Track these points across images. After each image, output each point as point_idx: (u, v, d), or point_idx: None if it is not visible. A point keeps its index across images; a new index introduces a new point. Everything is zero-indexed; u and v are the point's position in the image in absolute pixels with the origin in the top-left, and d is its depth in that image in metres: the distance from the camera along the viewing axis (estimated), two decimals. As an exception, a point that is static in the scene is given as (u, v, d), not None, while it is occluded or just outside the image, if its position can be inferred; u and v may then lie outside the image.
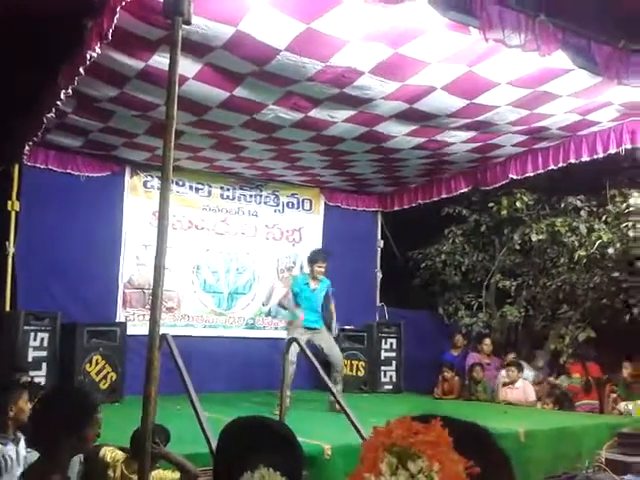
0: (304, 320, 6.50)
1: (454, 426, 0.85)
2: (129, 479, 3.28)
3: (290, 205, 8.87)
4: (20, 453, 3.25)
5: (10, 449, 3.26)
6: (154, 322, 2.91)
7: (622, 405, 6.80)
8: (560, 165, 6.70)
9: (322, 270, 6.67)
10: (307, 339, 6.25)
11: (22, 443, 3.26)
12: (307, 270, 7.05)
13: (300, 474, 1.53)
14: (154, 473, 3.18)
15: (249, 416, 1.62)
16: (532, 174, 7.09)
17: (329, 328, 6.68)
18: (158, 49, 4.57)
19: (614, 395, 7.07)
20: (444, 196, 8.31)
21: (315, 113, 5.85)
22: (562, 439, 5.55)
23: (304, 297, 6.61)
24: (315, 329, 6.54)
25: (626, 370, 7.18)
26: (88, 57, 4.31)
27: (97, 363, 6.65)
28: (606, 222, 7.69)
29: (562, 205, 8.09)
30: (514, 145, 6.79)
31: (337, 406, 4.94)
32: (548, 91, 5.28)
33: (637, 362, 7.19)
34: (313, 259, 6.80)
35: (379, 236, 9.45)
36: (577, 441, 5.56)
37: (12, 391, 3.44)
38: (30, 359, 6.34)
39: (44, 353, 6.45)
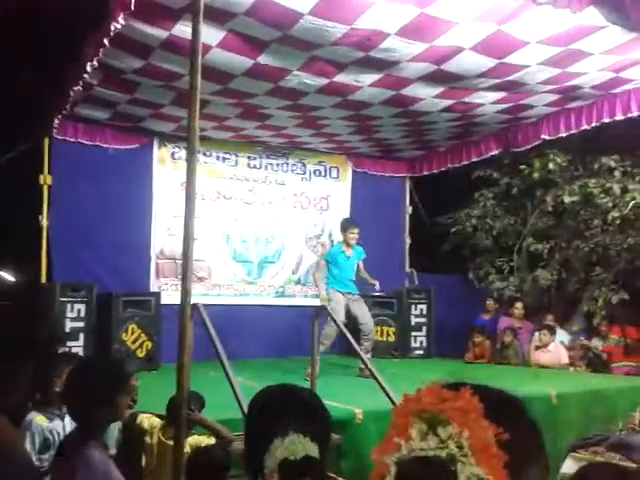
0: (342, 287, 6.59)
1: (484, 393, 0.85)
2: (166, 445, 3.36)
3: (317, 173, 8.82)
4: (67, 428, 3.13)
5: (57, 424, 3.18)
6: (185, 292, 2.95)
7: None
8: (593, 125, 6.53)
9: (355, 236, 6.71)
10: (346, 306, 6.47)
11: (68, 418, 3.08)
12: (340, 238, 7.13)
13: (328, 438, 1.56)
14: (190, 439, 3.25)
15: (278, 385, 1.64)
16: (565, 134, 6.93)
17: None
18: (181, 18, 4.54)
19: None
20: (474, 159, 8.17)
21: (340, 78, 5.76)
22: (595, 401, 5.51)
23: (340, 266, 6.66)
24: (351, 295, 6.63)
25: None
26: (112, 28, 4.30)
27: (133, 332, 6.79)
28: (640, 182, 7.50)
29: (595, 166, 7.89)
30: (546, 105, 6.62)
31: (367, 372, 4.99)
32: (580, 49, 5.11)
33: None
34: (345, 226, 6.87)
35: (408, 202, 9.38)
36: (611, 403, 5.51)
37: (57, 364, 3.21)
38: (68, 330, 6.49)
39: (81, 324, 6.60)
